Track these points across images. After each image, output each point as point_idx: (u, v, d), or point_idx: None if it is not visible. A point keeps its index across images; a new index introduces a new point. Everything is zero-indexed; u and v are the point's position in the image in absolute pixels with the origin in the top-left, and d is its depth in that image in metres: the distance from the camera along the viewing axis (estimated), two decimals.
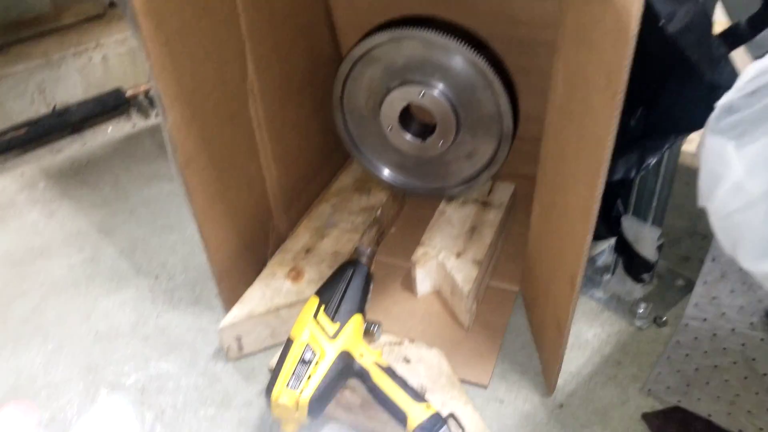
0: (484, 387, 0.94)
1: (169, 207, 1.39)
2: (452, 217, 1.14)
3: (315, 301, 0.89)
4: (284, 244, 1.13)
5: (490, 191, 1.21)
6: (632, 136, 0.90)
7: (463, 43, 1.00)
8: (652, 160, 0.89)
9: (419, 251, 1.06)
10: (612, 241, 1.11)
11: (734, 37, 0.86)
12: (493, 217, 1.14)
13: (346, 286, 0.90)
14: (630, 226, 1.05)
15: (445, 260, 1.04)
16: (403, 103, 1.10)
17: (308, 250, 1.10)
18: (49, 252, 1.29)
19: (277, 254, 1.10)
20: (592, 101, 0.70)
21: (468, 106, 1.08)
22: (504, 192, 1.20)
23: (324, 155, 1.30)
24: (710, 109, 0.61)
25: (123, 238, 1.30)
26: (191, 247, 1.26)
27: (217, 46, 0.91)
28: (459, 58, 1.04)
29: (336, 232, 1.15)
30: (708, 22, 0.72)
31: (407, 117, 1.14)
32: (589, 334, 1.03)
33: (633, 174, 0.90)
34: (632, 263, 1.07)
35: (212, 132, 0.94)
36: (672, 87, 0.83)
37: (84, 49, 1.77)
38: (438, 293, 1.09)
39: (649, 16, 0.56)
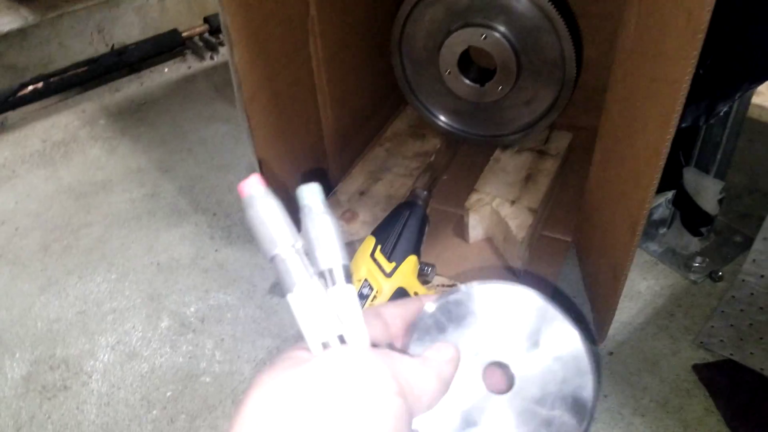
0: None
1: (224, 148, 1.41)
2: (507, 165, 1.14)
3: (371, 240, 0.90)
4: (338, 187, 1.15)
5: (546, 140, 1.19)
6: (702, 83, 0.87)
7: None
8: (723, 108, 0.86)
9: (473, 197, 1.07)
10: (669, 194, 1.09)
11: None
12: (550, 165, 1.13)
13: (402, 228, 0.92)
14: (691, 178, 1.03)
15: (499, 207, 1.04)
16: (464, 46, 1.08)
17: (362, 193, 1.12)
18: (112, 186, 1.33)
19: (331, 196, 1.12)
20: (668, 42, 0.68)
21: (530, 50, 1.06)
22: (561, 141, 1.19)
23: (379, 99, 1.30)
24: None
25: (181, 176, 1.34)
26: None
27: None
28: (524, 0, 1.01)
29: (390, 176, 1.15)
30: None
31: (466, 61, 1.13)
32: (642, 286, 1.02)
33: (702, 121, 0.88)
34: (691, 216, 1.06)
35: (275, 69, 0.95)
36: (751, 30, 0.80)
37: None
38: (489, 240, 1.09)
39: None
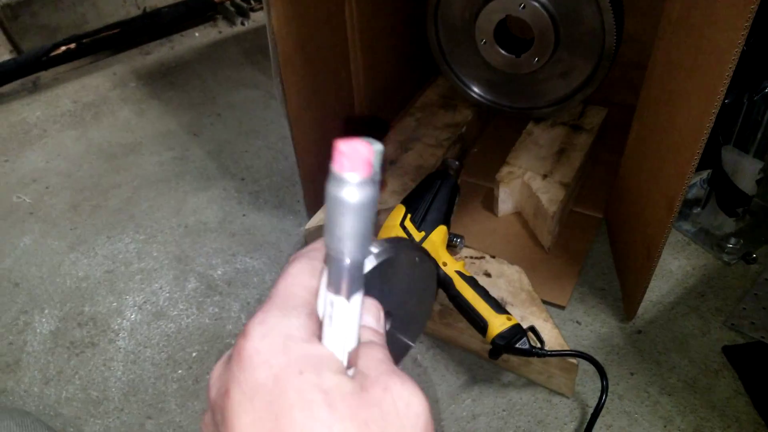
0: (562, 308, 0.94)
1: (254, 113, 1.41)
2: (540, 138, 1.12)
3: (402, 209, 0.89)
4: None
5: (581, 114, 1.17)
6: (747, 59, 0.84)
7: None
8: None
9: (504, 170, 1.05)
10: (704, 174, 1.07)
11: None
12: (584, 140, 1.10)
13: (433, 197, 0.91)
14: (730, 157, 1.00)
15: (530, 181, 1.02)
16: (501, 15, 1.06)
17: (392, 162, 1.10)
18: (141, 148, 1.34)
19: None
20: (717, 12, 0.65)
21: (569, 20, 1.03)
22: (596, 116, 1.16)
23: (410, 68, 1.29)
24: None
25: (210, 140, 1.34)
26: (275, 153, 1.28)
27: None
28: None
29: (420, 146, 1.14)
30: None
31: (503, 30, 1.10)
32: (674, 265, 1.01)
33: (745, 98, 0.85)
34: (727, 196, 1.03)
35: (310, 32, 0.93)
36: None
37: None
38: (519, 214, 1.08)
39: None
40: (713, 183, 1.04)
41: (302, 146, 1.01)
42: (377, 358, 0.29)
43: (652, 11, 1.04)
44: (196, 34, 1.75)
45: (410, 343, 0.39)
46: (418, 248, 0.36)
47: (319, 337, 0.28)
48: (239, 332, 0.26)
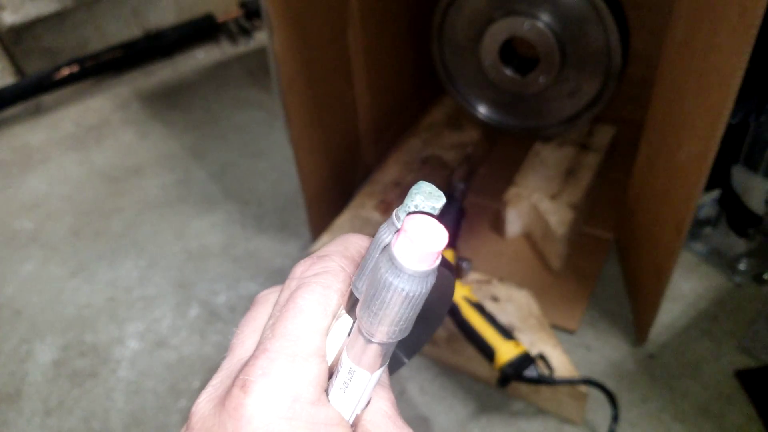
0: (572, 332, 0.92)
1: (258, 134, 1.40)
2: (548, 158, 1.10)
3: None
4: (373, 176, 1.12)
5: (589, 133, 1.15)
6: (753, 79, 0.83)
7: None
8: None
9: (512, 191, 1.04)
10: (715, 193, 1.05)
11: None
12: (592, 159, 1.09)
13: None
14: (739, 176, 0.98)
15: (538, 201, 1.01)
16: (506, 36, 1.05)
17: (397, 184, 1.09)
18: (143, 171, 1.33)
19: (366, 185, 1.10)
20: (719, 36, 0.64)
21: (575, 40, 1.02)
22: (604, 134, 1.15)
23: (415, 87, 1.28)
24: None
25: (213, 162, 1.33)
26: (279, 175, 1.27)
27: None
28: None
29: (426, 167, 1.13)
30: None
31: (508, 50, 1.09)
32: (686, 287, 0.99)
33: (752, 118, 0.84)
34: (738, 216, 1.01)
35: (314, 54, 0.92)
36: None
37: None
38: (527, 235, 1.06)
39: None
40: (724, 203, 1.02)
41: (306, 169, 1.00)
42: (384, 412, 0.27)
43: (659, 29, 1.03)
44: (200, 55, 1.75)
45: (405, 359, 0.37)
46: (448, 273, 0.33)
47: (327, 391, 0.25)
48: (237, 376, 0.23)
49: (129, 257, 1.12)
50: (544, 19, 1.01)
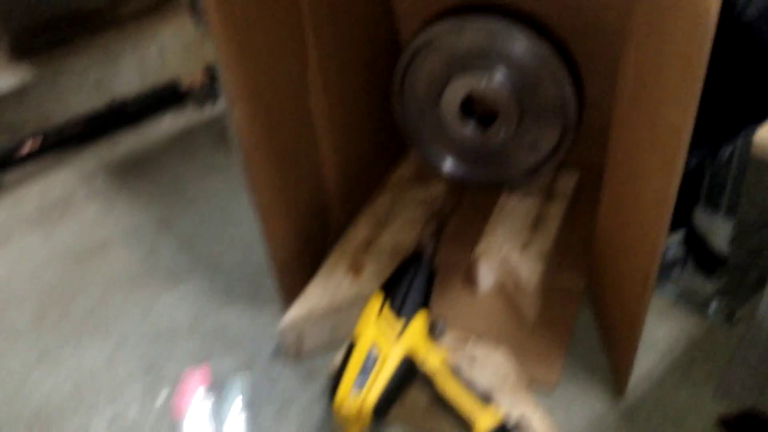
0: (551, 387, 0.91)
1: (227, 199, 1.39)
2: (515, 209, 1.11)
3: (379, 296, 0.87)
4: (344, 237, 1.12)
5: (553, 180, 1.17)
6: (704, 125, 0.85)
7: (525, 29, 0.97)
8: (727, 150, 0.84)
9: (482, 245, 1.04)
10: (681, 233, 1.06)
11: None
12: (557, 208, 1.10)
13: (410, 281, 0.88)
14: (701, 217, 1.00)
15: (509, 254, 1.01)
16: (465, 92, 1.07)
17: (369, 244, 1.09)
18: (109, 247, 1.30)
19: (337, 248, 1.09)
20: (667, 90, 0.66)
21: (532, 93, 1.04)
22: (567, 181, 1.16)
23: (382, 145, 1.29)
24: None
25: (181, 232, 1.31)
26: (249, 241, 1.26)
27: (281, 38, 0.90)
28: (522, 45, 1.00)
29: (396, 224, 1.13)
30: None
31: (468, 106, 1.11)
32: (660, 332, 0.99)
33: (707, 164, 0.86)
34: (704, 257, 1.02)
35: (276, 124, 0.93)
36: (745, 75, 0.78)
37: (142, 41, 1.78)
38: (501, 288, 1.06)
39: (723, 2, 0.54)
40: (689, 243, 1.03)
41: (274, 237, 0.99)
42: None
43: (613, 78, 1.06)
44: (166, 122, 1.74)
45: None
46: None
47: None
48: None
49: (95, 340, 1.09)
50: (501, 75, 1.04)
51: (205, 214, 1.36)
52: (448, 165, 1.21)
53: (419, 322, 0.85)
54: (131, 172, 1.55)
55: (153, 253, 1.27)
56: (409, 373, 0.82)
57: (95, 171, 1.57)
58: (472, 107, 1.13)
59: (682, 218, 1.00)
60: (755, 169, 1.00)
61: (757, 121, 0.82)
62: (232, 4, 0.78)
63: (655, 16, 0.70)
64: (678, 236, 1.09)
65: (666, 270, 1.07)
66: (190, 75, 1.82)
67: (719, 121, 0.83)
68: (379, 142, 1.27)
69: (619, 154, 0.86)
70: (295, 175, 1.03)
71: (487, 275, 1.04)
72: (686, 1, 0.59)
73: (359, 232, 1.12)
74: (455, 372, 0.81)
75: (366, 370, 0.80)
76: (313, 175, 1.08)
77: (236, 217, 1.33)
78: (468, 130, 1.11)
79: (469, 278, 1.06)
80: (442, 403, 0.80)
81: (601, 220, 0.96)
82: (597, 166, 1.07)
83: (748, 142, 0.94)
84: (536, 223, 1.08)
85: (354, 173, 1.20)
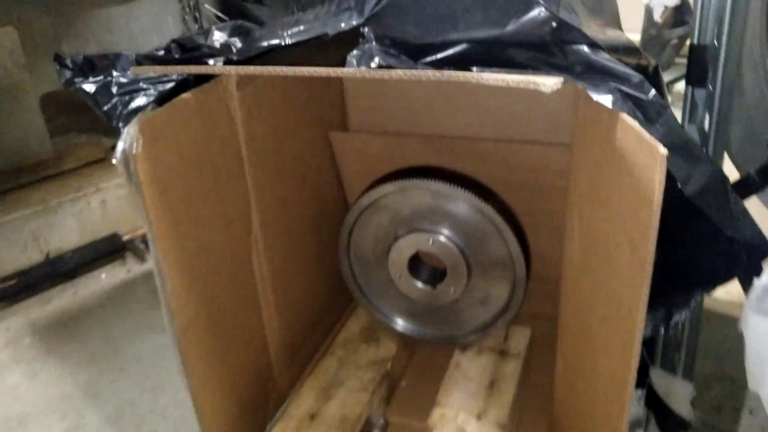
0: None
1: (161, 363, 1.30)
2: (469, 370, 1.06)
3: None
4: (287, 408, 1.04)
5: (506, 337, 1.13)
6: (657, 291, 0.85)
7: (469, 191, 0.98)
8: (680, 317, 0.83)
9: (436, 413, 0.97)
10: (639, 393, 1.03)
11: (746, 187, 0.84)
12: (513, 368, 1.06)
13: None
14: (659, 379, 0.97)
15: (465, 424, 0.95)
16: (412, 251, 1.06)
17: (313, 416, 1.01)
18: (29, 421, 1.18)
19: (279, 421, 1.01)
20: (617, 266, 0.65)
21: (478, 251, 1.03)
22: (521, 337, 1.13)
23: (328, 301, 1.24)
24: (733, 262, 0.56)
25: (110, 402, 1.21)
26: (183, 411, 1.16)
27: (222, 206, 0.88)
28: (466, 206, 1.01)
29: (343, 391, 1.06)
30: (724, 180, 0.69)
31: (416, 264, 1.09)
32: None
33: (661, 330, 0.84)
34: (666, 420, 0.98)
35: (213, 292, 0.88)
36: (692, 242, 0.79)
37: (83, 194, 1.75)
38: None
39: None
40: (649, 404, 1.00)
41: (209, 412, 0.91)
42: None
43: (559, 231, 1.07)
44: (103, 276, 1.67)
45: None
46: None
47: None
48: None
49: None
50: (446, 234, 1.03)
51: (136, 381, 1.26)
52: (399, 321, 1.17)
53: None
54: (62, 333, 1.45)
55: (77, 427, 1.15)
56: None
57: (22, 332, 1.46)
58: (420, 265, 1.12)
59: (639, 379, 0.97)
60: (711, 319, 1.00)
61: (708, 288, 0.81)
62: (168, 178, 0.76)
63: (596, 188, 0.70)
64: (637, 394, 1.05)
65: (630, 430, 1.02)
66: (132, 226, 1.78)
67: (671, 288, 0.83)
68: (325, 297, 1.23)
69: (571, 322, 0.84)
70: (235, 341, 0.96)
71: None
72: (626, 181, 0.58)
73: (303, 402, 1.04)
74: None
75: None
76: (254, 339, 1.02)
77: (169, 384, 1.24)
78: (417, 287, 1.09)
79: None
80: None
81: (559, 389, 0.92)
82: (549, 317, 1.05)
83: (701, 301, 0.94)
84: (492, 387, 1.02)
85: (299, 332, 1.14)
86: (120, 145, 0.66)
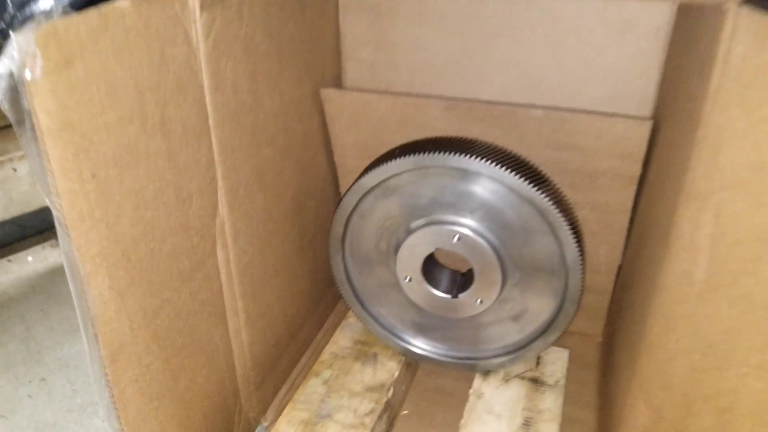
0: None
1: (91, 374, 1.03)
2: (494, 403, 0.83)
3: None
4: None
5: (538, 361, 0.90)
6: None
7: (514, 173, 0.72)
8: None
9: None
10: None
11: None
12: (552, 402, 0.83)
13: None
14: None
15: None
16: (430, 249, 0.81)
17: None
18: None
19: None
20: None
21: (519, 254, 0.79)
22: (557, 362, 0.90)
23: (310, 303, 0.98)
24: None
25: (25, 424, 0.94)
26: None
27: (175, 175, 0.61)
28: (506, 193, 0.75)
29: (332, 427, 0.81)
30: None
31: (432, 265, 0.85)
32: None
33: None
34: None
35: (160, 297, 0.62)
36: None
37: (7, 158, 1.44)
38: None
39: None
40: None
41: None
42: None
43: (612, 231, 0.84)
44: (29, 258, 1.38)
45: None
46: None
47: None
48: None
49: None
50: (477, 228, 0.78)
51: (61, 395, 0.99)
52: (404, 336, 0.92)
53: None
54: None
55: None
56: None
57: None
58: (438, 266, 0.87)
59: None
60: None
61: None
62: (90, 129, 0.48)
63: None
64: None
65: None
66: None
67: None
68: (307, 298, 0.97)
69: (679, 363, 0.60)
70: (191, 364, 0.70)
71: None
72: None
73: None
74: None
75: None
76: (216, 357, 0.76)
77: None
78: (431, 295, 0.84)
79: None
80: None
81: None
82: (589, 335, 0.84)
83: None
84: (527, 426, 0.79)
85: (273, 345, 0.88)
86: (1, 67, 0.39)
